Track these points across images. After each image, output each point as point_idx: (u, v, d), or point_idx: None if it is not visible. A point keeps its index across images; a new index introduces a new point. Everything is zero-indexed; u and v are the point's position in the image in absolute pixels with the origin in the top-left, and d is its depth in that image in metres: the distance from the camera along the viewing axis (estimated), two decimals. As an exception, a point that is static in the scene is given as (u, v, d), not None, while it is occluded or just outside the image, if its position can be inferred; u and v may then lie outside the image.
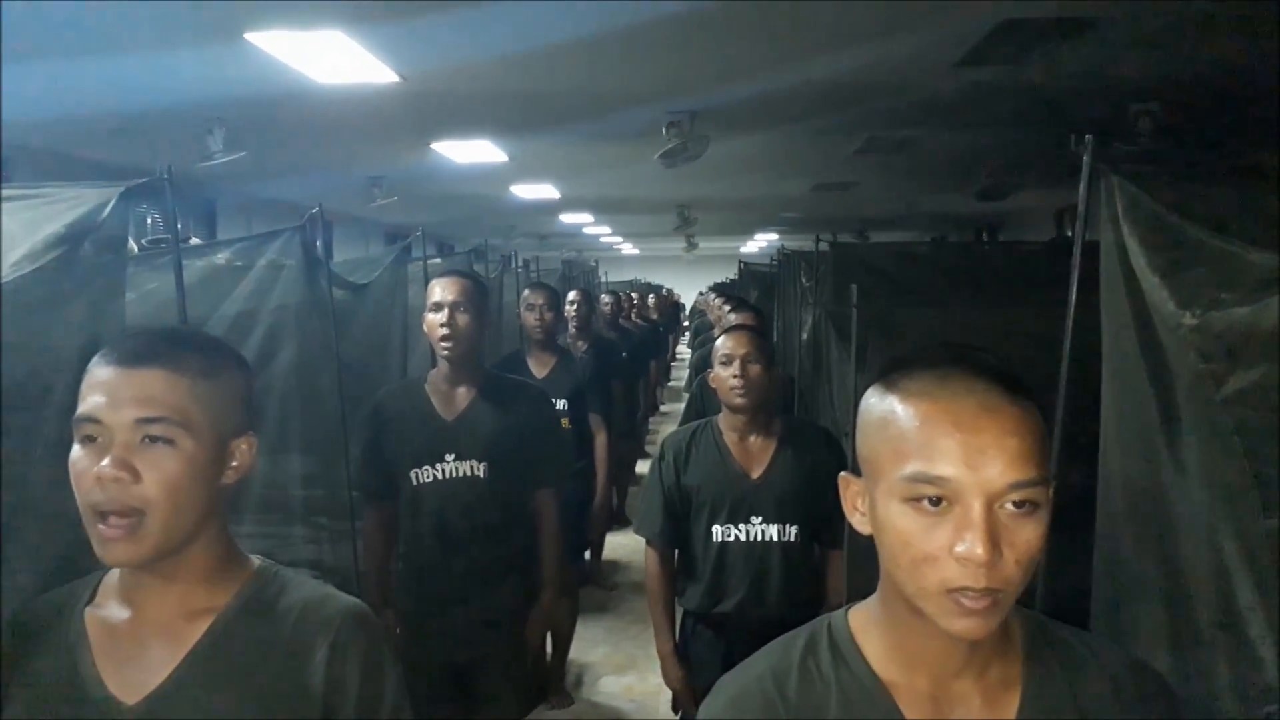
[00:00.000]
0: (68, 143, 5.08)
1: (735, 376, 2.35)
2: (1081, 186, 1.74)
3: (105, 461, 0.98)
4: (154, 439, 1.00)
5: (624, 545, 5.78)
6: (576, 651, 4.17)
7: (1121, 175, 1.61)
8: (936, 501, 0.82)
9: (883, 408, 0.88)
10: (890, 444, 0.86)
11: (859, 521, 0.93)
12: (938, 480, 0.82)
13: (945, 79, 4.17)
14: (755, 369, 2.37)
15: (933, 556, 0.82)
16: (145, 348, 1.03)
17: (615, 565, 5.58)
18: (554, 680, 3.93)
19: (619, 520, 6.11)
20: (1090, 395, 1.85)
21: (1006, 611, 0.84)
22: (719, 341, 2.46)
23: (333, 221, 2.81)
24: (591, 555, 5.00)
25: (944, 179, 7.60)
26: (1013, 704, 0.91)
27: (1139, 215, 1.53)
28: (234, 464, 1.08)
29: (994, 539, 0.80)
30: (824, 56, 3.87)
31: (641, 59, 3.98)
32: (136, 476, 0.98)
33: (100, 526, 0.99)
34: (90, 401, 1.00)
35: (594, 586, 5.04)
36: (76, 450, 1.00)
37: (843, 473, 0.95)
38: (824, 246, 4.60)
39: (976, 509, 0.80)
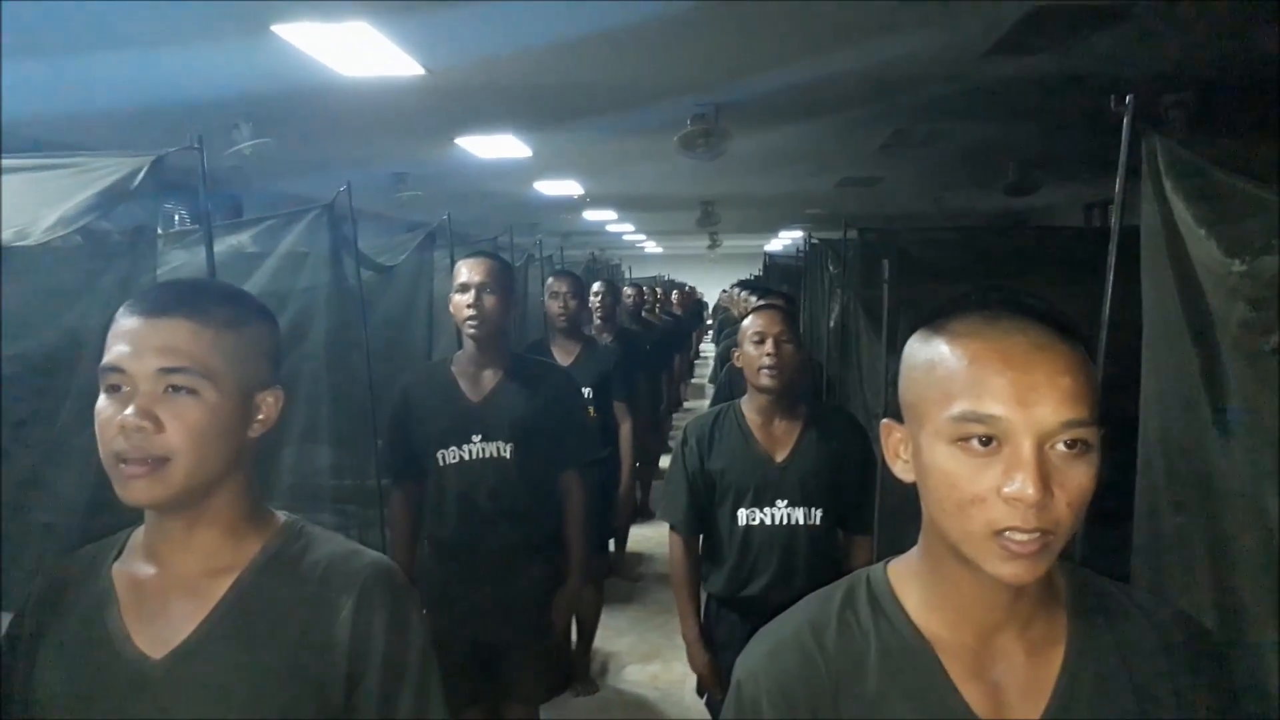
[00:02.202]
0: (94, 138, 5.14)
1: (768, 355, 2.32)
2: (1122, 147, 1.73)
3: (129, 410, 0.98)
4: (177, 389, 1.00)
5: (648, 538, 5.78)
6: (601, 640, 4.17)
7: (1163, 133, 1.60)
8: (986, 441, 0.80)
9: (929, 350, 0.86)
10: (937, 385, 0.84)
11: (901, 469, 0.91)
12: (988, 419, 0.80)
13: (973, 70, 4.13)
14: (788, 349, 2.34)
15: (980, 498, 0.80)
16: (170, 298, 1.03)
17: (639, 557, 5.58)
18: (579, 668, 3.93)
19: (643, 514, 6.11)
20: (1125, 371, 1.83)
21: (1054, 557, 0.82)
22: (747, 321, 2.43)
23: (356, 220, 2.84)
24: (616, 546, 5.00)
25: (972, 173, 7.54)
26: (1057, 658, 0.89)
27: (1183, 170, 1.52)
28: (259, 417, 1.08)
29: (1044, 479, 0.78)
30: (850, 48, 3.84)
31: (667, 52, 3.98)
32: (160, 426, 0.98)
33: (121, 466, 0.99)
34: (115, 351, 1.00)
35: (618, 578, 5.04)
36: (102, 400, 1.01)
37: (885, 419, 0.94)
38: (852, 235, 4.57)
39: (1027, 448, 0.78)
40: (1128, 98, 1.72)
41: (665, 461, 6.18)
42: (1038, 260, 4.12)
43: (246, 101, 4.49)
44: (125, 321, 1.02)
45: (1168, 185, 1.54)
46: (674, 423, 8.18)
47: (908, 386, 0.89)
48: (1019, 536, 0.79)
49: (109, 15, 3.19)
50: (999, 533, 0.80)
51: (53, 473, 1.47)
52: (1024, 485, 0.77)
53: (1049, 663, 0.89)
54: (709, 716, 2.61)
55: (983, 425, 0.80)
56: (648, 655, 4.29)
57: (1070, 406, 0.79)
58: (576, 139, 5.99)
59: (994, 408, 0.79)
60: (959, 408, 0.81)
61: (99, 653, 1.04)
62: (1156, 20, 3.38)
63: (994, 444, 0.80)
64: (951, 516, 0.83)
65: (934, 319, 0.88)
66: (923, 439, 0.85)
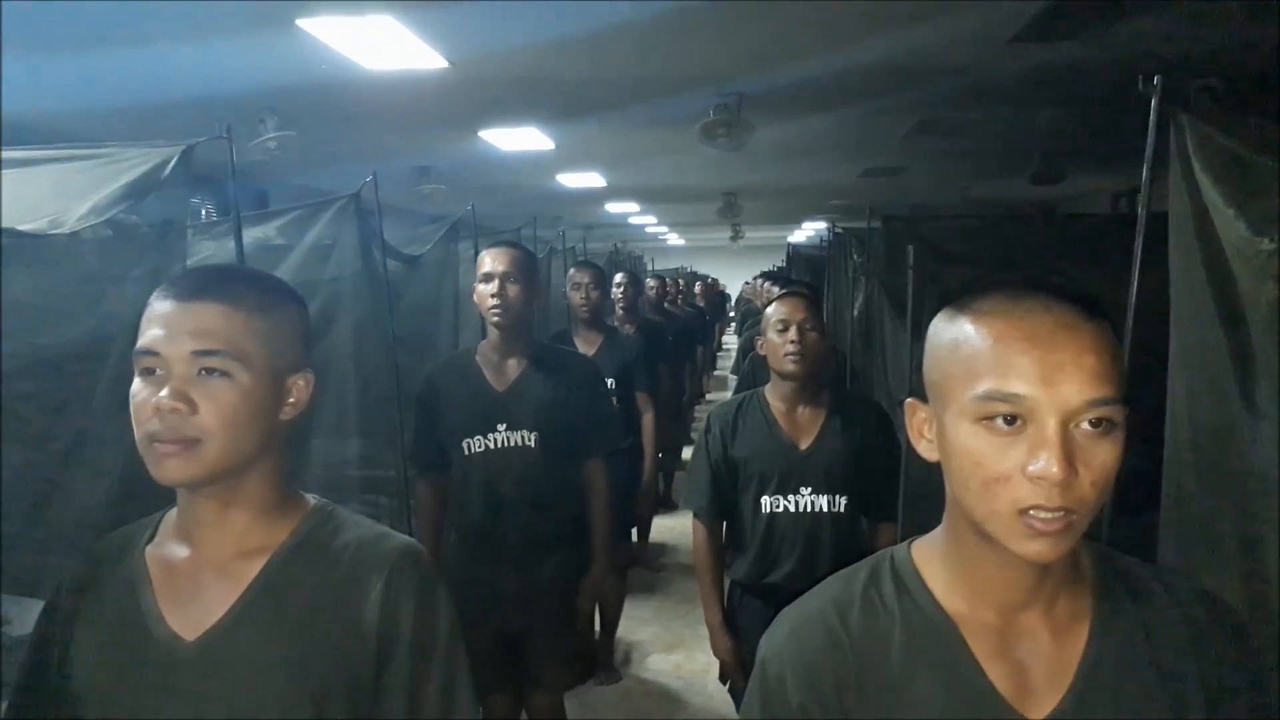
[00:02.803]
0: (120, 133, 5.19)
1: (792, 342, 2.32)
2: (1150, 129, 1.72)
3: (163, 393, 0.99)
4: (210, 371, 1.00)
5: (671, 529, 5.80)
6: (625, 630, 4.19)
7: (1191, 114, 1.59)
8: (1011, 420, 0.80)
9: (954, 329, 0.86)
10: (962, 364, 0.84)
11: (925, 448, 0.91)
12: (1012, 398, 0.80)
13: (998, 58, 4.10)
14: (812, 336, 2.34)
15: (1005, 476, 0.80)
16: (202, 282, 1.04)
17: (662, 548, 5.59)
18: (603, 657, 3.95)
19: (665, 505, 6.12)
20: (1153, 358, 1.82)
21: (1078, 536, 0.82)
22: (771, 308, 2.43)
23: (381, 210, 2.87)
24: (639, 536, 5.01)
25: (997, 163, 7.48)
26: (1081, 636, 0.89)
27: (1211, 150, 1.51)
28: (290, 400, 1.09)
29: (1069, 457, 0.78)
30: (874, 36, 3.82)
31: (689, 43, 3.97)
32: (194, 408, 0.99)
33: (155, 445, 1.00)
34: (149, 335, 1.01)
35: (641, 568, 5.06)
36: (136, 383, 1.02)
37: (909, 399, 0.94)
38: (876, 223, 4.55)
39: (1052, 426, 0.79)
40: (1155, 78, 1.71)
41: (688, 453, 6.20)
42: (1064, 248, 4.09)
43: (272, 95, 4.53)
44: (159, 305, 1.03)
45: (1196, 165, 1.53)
46: (696, 414, 8.18)
47: (932, 366, 0.89)
48: (1043, 515, 0.79)
49: (135, 11, 3.22)
50: (1023, 511, 0.80)
51: (89, 455, 1.50)
52: (1049, 464, 0.77)
53: (1073, 641, 0.89)
54: (732, 704, 2.62)
55: (1007, 404, 0.80)
56: (671, 645, 4.30)
57: (1095, 385, 0.79)
58: (599, 131, 6.00)
59: (1019, 386, 0.79)
60: (984, 386, 0.81)
61: (132, 634, 1.05)
62: (1183, 5, 3.34)
63: (1018, 423, 0.80)
64: (976, 495, 0.83)
65: (959, 299, 0.88)
66: (947, 418, 0.85)
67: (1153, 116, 1.72)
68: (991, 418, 0.81)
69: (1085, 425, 0.79)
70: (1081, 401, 0.79)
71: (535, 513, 2.48)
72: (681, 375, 6.47)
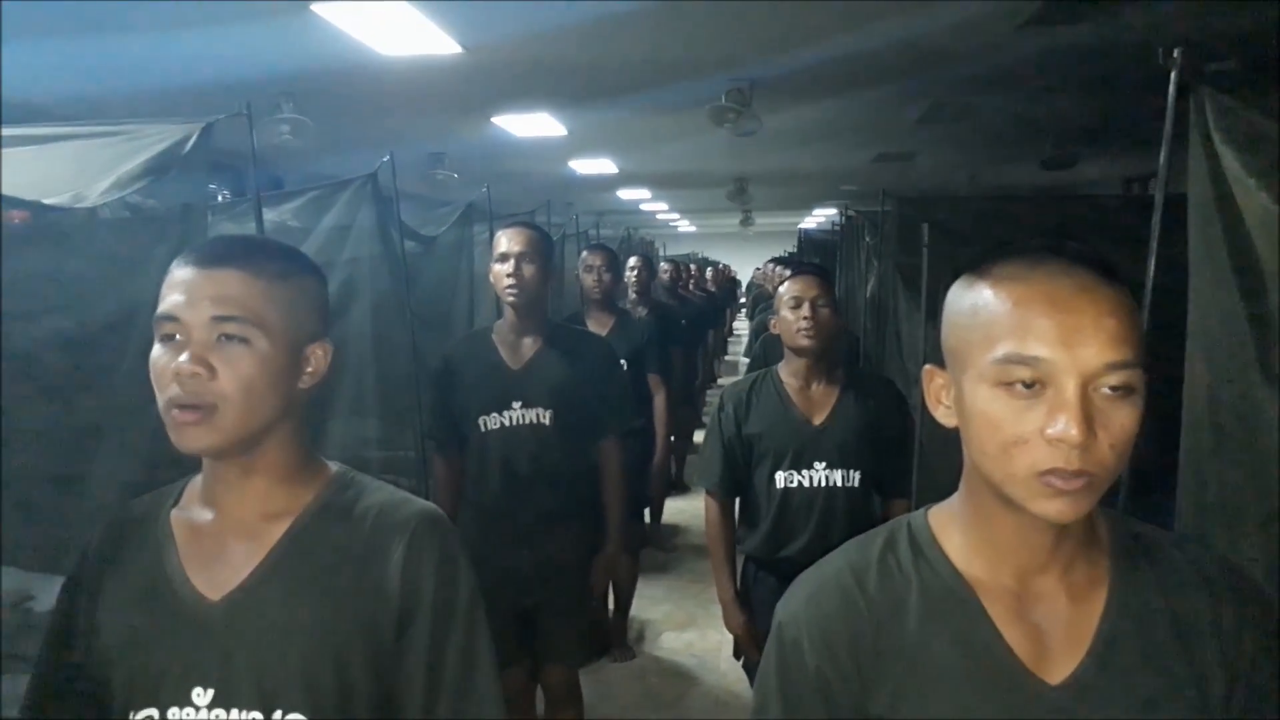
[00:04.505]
0: (135, 119, 5.23)
1: (805, 319, 2.33)
2: (1169, 103, 1.72)
3: (183, 357, 1.00)
4: (229, 337, 1.01)
5: (683, 510, 5.83)
6: (638, 609, 4.22)
7: (1212, 86, 1.59)
8: (1030, 384, 0.80)
9: (972, 295, 0.86)
10: (981, 329, 0.84)
11: (943, 414, 0.91)
12: (1031, 361, 0.80)
13: (1010, 42, 4.08)
14: (825, 312, 2.36)
15: (1023, 439, 0.80)
16: (222, 249, 1.06)
17: (675, 529, 5.63)
18: (616, 635, 3.99)
19: (677, 487, 6.15)
20: (1168, 336, 1.82)
21: (1097, 498, 0.82)
22: (784, 286, 2.44)
23: (398, 191, 2.88)
24: (651, 517, 5.04)
25: (1008, 148, 7.44)
26: (1099, 601, 0.89)
27: (1233, 123, 1.50)
28: (309, 369, 1.10)
29: (1088, 420, 0.78)
30: (886, 20, 3.82)
31: (701, 27, 3.97)
32: (213, 373, 1.00)
33: (175, 412, 1.01)
34: (169, 300, 1.02)
35: (654, 549, 5.09)
36: (157, 349, 1.03)
37: (926, 365, 0.94)
38: (889, 206, 4.55)
39: (1071, 389, 0.79)
40: (1175, 51, 1.70)
41: (700, 437, 6.23)
42: (1078, 230, 4.08)
43: (287, 81, 4.56)
44: (179, 272, 1.04)
45: (1216, 138, 1.52)
46: (708, 398, 8.20)
47: (950, 331, 0.89)
48: (1062, 475, 0.79)
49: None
50: (1042, 474, 0.80)
51: (115, 434, 1.53)
52: (1067, 426, 0.77)
53: (1091, 606, 0.89)
54: (745, 681, 2.64)
55: (1026, 367, 0.80)
56: (683, 623, 4.34)
57: (1115, 348, 0.79)
58: (611, 116, 6.00)
59: (1038, 349, 0.79)
60: (1002, 350, 0.81)
61: (158, 595, 1.07)
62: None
63: (1037, 386, 0.80)
64: (994, 459, 0.83)
65: (977, 265, 0.88)
66: (965, 383, 0.85)
67: (1172, 90, 1.71)
68: (1010, 382, 0.81)
69: (1105, 389, 0.79)
70: (1101, 364, 0.79)
71: (549, 490, 2.51)
72: (694, 359, 6.48)
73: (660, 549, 5.21)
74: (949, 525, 0.94)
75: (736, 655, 2.61)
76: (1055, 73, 4.67)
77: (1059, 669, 0.87)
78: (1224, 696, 0.87)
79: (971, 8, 3.61)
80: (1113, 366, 0.79)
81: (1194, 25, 3.76)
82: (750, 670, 2.52)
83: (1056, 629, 0.89)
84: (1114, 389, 0.79)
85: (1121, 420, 0.80)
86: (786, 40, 4.16)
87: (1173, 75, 1.73)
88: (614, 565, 2.71)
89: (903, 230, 3.98)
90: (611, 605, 3.98)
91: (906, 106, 5.75)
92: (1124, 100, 5.00)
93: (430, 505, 1.16)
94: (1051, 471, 0.79)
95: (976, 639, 0.89)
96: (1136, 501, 1.99)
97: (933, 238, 2.74)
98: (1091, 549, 0.91)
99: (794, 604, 0.97)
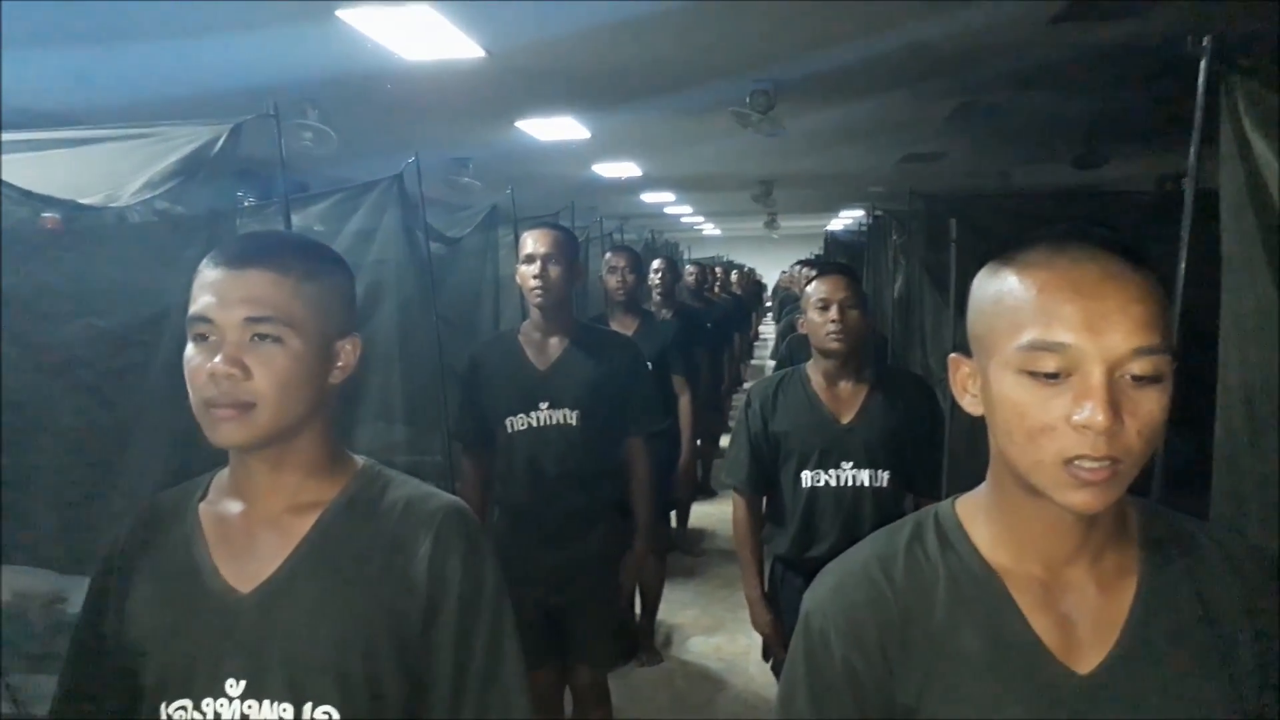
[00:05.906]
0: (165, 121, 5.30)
1: (833, 321, 2.31)
2: (1199, 92, 1.69)
3: (218, 358, 1.01)
4: (262, 337, 1.03)
5: (710, 514, 5.81)
6: (665, 613, 4.21)
7: (1242, 74, 1.56)
8: (1055, 373, 0.80)
9: (997, 282, 0.86)
10: (1006, 316, 0.83)
11: (969, 403, 0.90)
12: (1057, 347, 0.79)
13: (1039, 39, 4.05)
14: (853, 314, 2.33)
15: (1050, 427, 0.80)
16: (252, 249, 1.07)
17: (701, 533, 5.61)
18: (644, 639, 3.98)
19: (704, 491, 6.13)
20: (1200, 331, 1.80)
21: (1123, 488, 0.81)
22: (811, 286, 2.42)
23: (423, 193, 2.90)
24: (678, 521, 5.03)
25: (1038, 147, 7.37)
26: (1129, 590, 0.88)
27: (1265, 109, 1.48)
28: (339, 364, 1.11)
29: (1115, 406, 0.77)
30: (913, 19, 3.79)
31: (727, 29, 3.97)
32: (248, 373, 1.02)
33: (211, 410, 1.03)
34: (202, 301, 1.04)
35: (680, 553, 5.07)
36: (190, 348, 1.04)
37: (952, 354, 0.93)
38: (917, 205, 4.51)
39: (1097, 375, 0.78)
40: (1205, 39, 1.68)
41: (725, 441, 6.21)
42: (1110, 226, 4.03)
43: (312, 86, 4.61)
44: (210, 273, 1.05)
45: (1247, 124, 1.51)
46: (733, 402, 8.17)
47: (976, 319, 0.88)
48: (1089, 464, 0.78)
49: (178, 3, 3.28)
50: (1069, 461, 0.79)
51: (149, 425, 1.54)
52: (1094, 412, 0.77)
53: (1121, 595, 0.88)
54: (774, 685, 2.62)
55: (1052, 354, 0.79)
56: (711, 627, 4.32)
57: (1142, 334, 0.78)
58: (635, 119, 6.01)
59: (1064, 336, 0.79)
60: (1028, 337, 0.80)
61: (188, 587, 1.08)
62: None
63: (1063, 374, 0.79)
64: (1021, 447, 0.82)
65: (1002, 252, 0.87)
66: (991, 371, 0.85)
67: (1202, 78, 1.69)
68: (1036, 369, 0.80)
69: (1131, 375, 0.78)
70: (1128, 349, 0.78)
71: (577, 490, 2.50)
72: (720, 363, 6.45)
73: (687, 553, 5.19)
74: (976, 515, 0.94)
75: (765, 657, 2.60)
76: (1086, 70, 4.62)
77: (1088, 659, 0.87)
78: (1256, 685, 0.85)
79: (1000, 5, 3.58)
80: (1139, 352, 0.78)
81: (1224, 20, 3.70)
82: (778, 671, 2.50)
83: (1085, 618, 0.88)
84: (1141, 375, 0.78)
85: (1149, 407, 0.79)
86: (811, 42, 4.14)
87: (1203, 64, 1.71)
88: (643, 564, 2.70)
89: (931, 229, 3.95)
90: (639, 609, 3.96)
91: (934, 106, 5.70)
92: (1156, 97, 4.93)
93: (456, 499, 1.17)
94: (1078, 458, 0.78)
95: (1004, 629, 0.88)
96: (1170, 494, 1.96)
97: (961, 233, 2.71)
98: (1121, 538, 0.90)
99: (821, 594, 0.97)
